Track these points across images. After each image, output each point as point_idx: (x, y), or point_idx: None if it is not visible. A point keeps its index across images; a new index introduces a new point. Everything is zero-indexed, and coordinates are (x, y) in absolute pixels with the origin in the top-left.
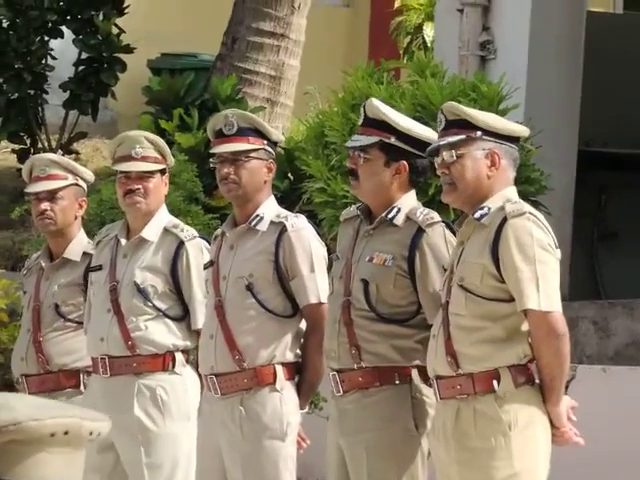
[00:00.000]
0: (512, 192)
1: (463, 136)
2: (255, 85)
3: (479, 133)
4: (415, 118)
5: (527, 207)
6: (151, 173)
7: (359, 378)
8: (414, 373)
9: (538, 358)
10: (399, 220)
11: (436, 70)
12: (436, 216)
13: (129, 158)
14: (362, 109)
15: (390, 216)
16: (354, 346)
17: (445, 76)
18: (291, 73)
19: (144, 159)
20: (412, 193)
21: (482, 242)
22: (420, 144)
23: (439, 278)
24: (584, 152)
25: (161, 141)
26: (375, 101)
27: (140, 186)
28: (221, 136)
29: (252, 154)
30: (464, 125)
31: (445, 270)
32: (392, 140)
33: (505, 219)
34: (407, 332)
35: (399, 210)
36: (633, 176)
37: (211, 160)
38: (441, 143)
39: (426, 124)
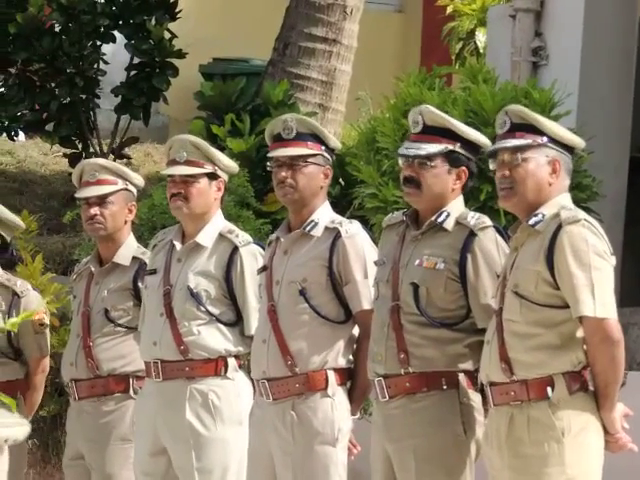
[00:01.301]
0: (567, 199)
1: (530, 140)
2: (307, 90)
3: (545, 139)
4: (467, 124)
5: (582, 214)
6: (194, 177)
7: (406, 383)
8: (461, 378)
9: (593, 365)
10: (449, 224)
11: (488, 76)
12: (487, 220)
13: (174, 162)
14: (418, 117)
15: (440, 220)
16: (402, 351)
17: (497, 82)
18: (343, 79)
19: (188, 163)
20: (460, 198)
21: (536, 249)
22: (476, 149)
23: (491, 282)
24: (636, 158)
25: (205, 145)
26: (432, 108)
27: (182, 190)
28: (279, 140)
29: (310, 159)
30: (530, 130)
31: (498, 276)
32: (457, 147)
33: (560, 226)
34: (456, 336)
35: (449, 215)
36: None
37: (268, 164)
38: (506, 145)
39: (477, 130)
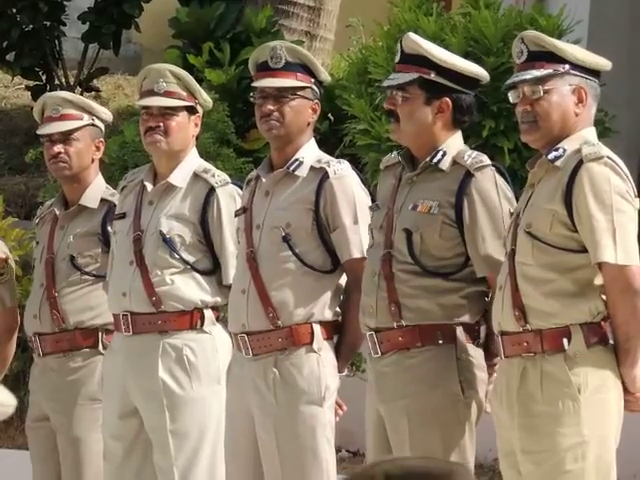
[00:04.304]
0: (591, 133)
1: (550, 70)
2: (292, 17)
3: (567, 67)
4: (467, 53)
5: (605, 150)
6: (174, 110)
7: (399, 338)
8: (459, 331)
9: (613, 316)
10: (445, 164)
11: (491, 1)
12: (485, 159)
13: (151, 93)
14: (399, 45)
15: (435, 160)
16: (394, 302)
17: (500, 8)
18: (332, 4)
19: (167, 94)
20: (458, 134)
21: (554, 186)
22: (464, 80)
23: (489, 227)
24: None
25: (188, 76)
26: (412, 35)
27: (161, 124)
28: (266, 69)
29: (299, 92)
30: (549, 58)
31: (511, 214)
32: (432, 76)
33: (581, 162)
34: (453, 286)
35: (445, 153)
36: None
37: (252, 95)
38: (526, 77)
39: (479, 60)
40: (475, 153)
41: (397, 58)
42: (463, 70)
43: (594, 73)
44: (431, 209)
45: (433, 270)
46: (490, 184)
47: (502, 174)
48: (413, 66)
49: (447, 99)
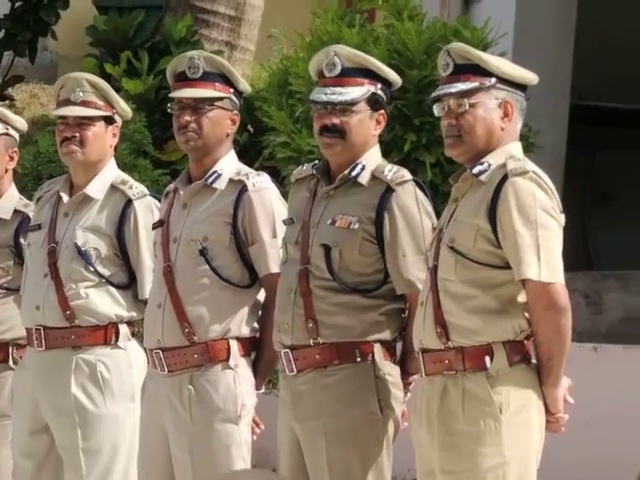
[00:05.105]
0: (516, 148)
1: (476, 84)
2: (213, 26)
3: (493, 80)
4: (390, 65)
5: (531, 165)
6: (91, 120)
7: (316, 355)
8: (377, 349)
9: (536, 334)
10: (364, 179)
11: (414, 12)
12: (406, 174)
13: (68, 102)
14: (334, 58)
15: (354, 174)
16: (311, 319)
17: (424, 19)
18: (253, 14)
19: (84, 104)
20: (377, 148)
21: (479, 201)
22: (390, 90)
23: (410, 243)
24: (577, 106)
25: (105, 85)
26: (348, 48)
27: (77, 134)
28: (183, 79)
29: (217, 102)
30: (475, 71)
31: (434, 229)
32: (378, 89)
33: (506, 177)
34: (372, 303)
35: (364, 167)
36: (630, 133)
37: (169, 105)
38: (451, 91)
39: (401, 72)
40: (395, 167)
41: (336, 71)
42: (394, 80)
43: (520, 87)
44: (350, 224)
45: (352, 287)
46: (411, 199)
47: (422, 189)
48: (357, 79)
49: (383, 111)
